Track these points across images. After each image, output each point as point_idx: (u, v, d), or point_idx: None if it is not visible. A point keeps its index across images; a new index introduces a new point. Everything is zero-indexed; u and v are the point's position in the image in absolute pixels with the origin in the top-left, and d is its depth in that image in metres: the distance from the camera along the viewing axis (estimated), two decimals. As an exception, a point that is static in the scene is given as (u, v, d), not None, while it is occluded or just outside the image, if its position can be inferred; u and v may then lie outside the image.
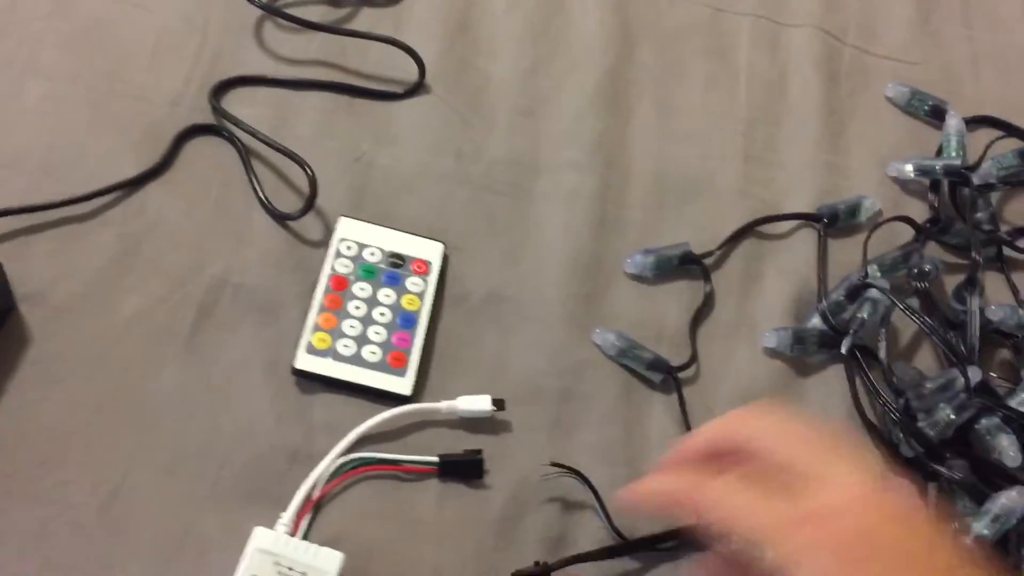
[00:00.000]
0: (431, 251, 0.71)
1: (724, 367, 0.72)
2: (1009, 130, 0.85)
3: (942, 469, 0.66)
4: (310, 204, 0.70)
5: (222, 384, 0.65)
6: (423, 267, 0.71)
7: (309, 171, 0.71)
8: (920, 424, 0.67)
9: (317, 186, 0.71)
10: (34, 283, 0.66)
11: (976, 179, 0.80)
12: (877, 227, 0.77)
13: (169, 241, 0.70)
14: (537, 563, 0.61)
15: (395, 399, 0.66)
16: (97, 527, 0.59)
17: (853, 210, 0.79)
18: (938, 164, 0.81)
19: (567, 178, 0.78)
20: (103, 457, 0.62)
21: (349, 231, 0.71)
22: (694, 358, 0.71)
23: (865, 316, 0.71)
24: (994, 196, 0.82)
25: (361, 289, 0.69)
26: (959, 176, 0.80)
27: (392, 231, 0.72)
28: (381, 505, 0.63)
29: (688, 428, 0.68)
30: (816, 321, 0.73)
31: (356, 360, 0.66)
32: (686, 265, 0.75)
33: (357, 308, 0.68)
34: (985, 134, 0.85)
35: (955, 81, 0.89)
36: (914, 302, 0.74)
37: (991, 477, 0.67)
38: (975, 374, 0.68)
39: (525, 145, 0.79)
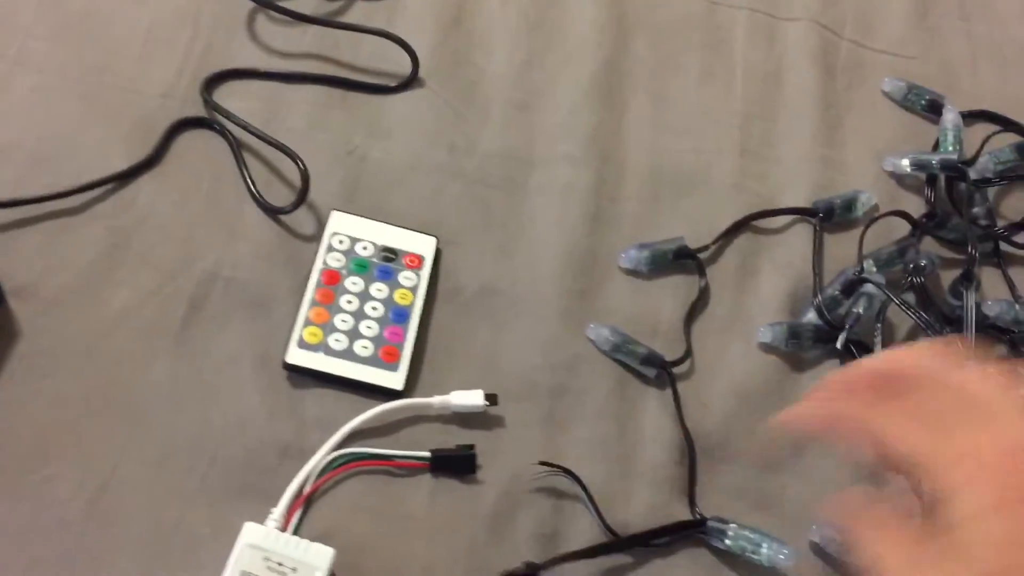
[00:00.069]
0: (424, 245, 0.71)
1: (719, 362, 0.71)
2: (1006, 125, 0.85)
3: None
4: (302, 198, 0.70)
5: (213, 378, 0.65)
6: (416, 261, 0.70)
7: (301, 164, 0.71)
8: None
9: (309, 179, 0.70)
10: (23, 277, 0.66)
11: (973, 174, 0.80)
12: (873, 222, 0.77)
13: (160, 234, 0.69)
14: (527, 564, 0.60)
15: (387, 394, 0.65)
16: (86, 522, 0.59)
17: (849, 205, 0.78)
18: (935, 159, 0.80)
19: (561, 172, 0.77)
20: (92, 451, 0.61)
21: (341, 225, 0.71)
22: (689, 353, 0.71)
23: (861, 311, 0.71)
24: (991, 191, 0.81)
25: (353, 283, 0.68)
26: (956, 171, 0.80)
27: (385, 225, 0.71)
28: (373, 500, 0.62)
29: (682, 423, 0.68)
30: (811, 316, 0.73)
31: (348, 355, 0.66)
32: (681, 260, 0.74)
33: (349, 302, 0.68)
34: (982, 129, 0.84)
35: (952, 76, 0.88)
36: (910, 297, 0.74)
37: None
38: (971, 369, 0.67)
39: (519, 139, 0.78)
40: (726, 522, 0.64)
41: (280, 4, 0.79)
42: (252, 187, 0.72)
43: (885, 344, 0.71)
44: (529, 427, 0.67)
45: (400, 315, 0.68)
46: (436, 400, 0.65)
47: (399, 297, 0.69)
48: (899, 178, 0.82)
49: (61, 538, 0.58)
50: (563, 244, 0.74)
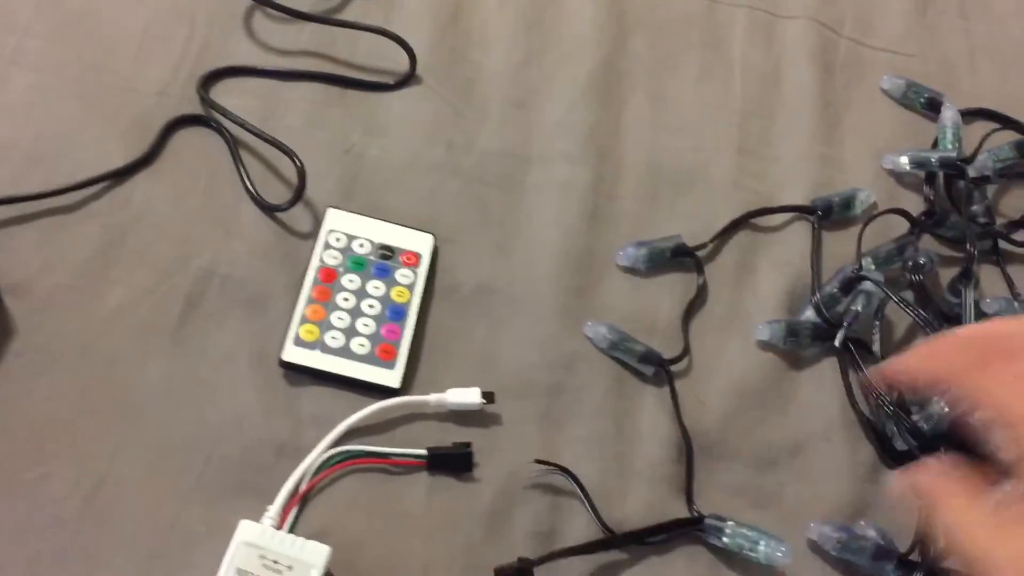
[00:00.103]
0: (421, 243, 0.71)
1: (717, 360, 0.71)
2: (1005, 122, 0.85)
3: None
4: (299, 195, 0.70)
5: (209, 376, 0.65)
6: (413, 259, 0.70)
7: (298, 162, 0.70)
8: (914, 417, 0.67)
9: (306, 177, 0.70)
10: (19, 274, 0.66)
11: (972, 172, 0.80)
12: (872, 219, 0.77)
13: (156, 232, 0.69)
14: (521, 560, 0.60)
15: (384, 391, 0.65)
16: (81, 520, 0.59)
17: (848, 202, 0.78)
18: (934, 156, 0.80)
19: (559, 170, 0.77)
20: (88, 449, 0.61)
21: (338, 222, 0.70)
22: (686, 351, 0.71)
23: (859, 309, 0.71)
24: (990, 189, 0.81)
25: (350, 281, 0.68)
26: (955, 169, 0.80)
27: (382, 223, 0.71)
28: (369, 498, 0.62)
29: (680, 421, 0.68)
30: (809, 314, 0.73)
31: (344, 352, 0.66)
32: (679, 257, 0.74)
33: (346, 300, 0.68)
34: (981, 127, 0.84)
35: (951, 73, 0.88)
36: (909, 295, 0.73)
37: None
38: (970, 367, 0.67)
39: (517, 137, 0.78)
40: (723, 520, 0.63)
41: (277, 1, 0.79)
42: (249, 185, 0.72)
43: (884, 342, 0.71)
44: (526, 425, 0.66)
45: (397, 313, 0.68)
46: (433, 398, 0.65)
47: (396, 295, 0.68)
48: (898, 176, 0.82)
49: (57, 536, 0.58)
50: (561, 242, 0.74)
